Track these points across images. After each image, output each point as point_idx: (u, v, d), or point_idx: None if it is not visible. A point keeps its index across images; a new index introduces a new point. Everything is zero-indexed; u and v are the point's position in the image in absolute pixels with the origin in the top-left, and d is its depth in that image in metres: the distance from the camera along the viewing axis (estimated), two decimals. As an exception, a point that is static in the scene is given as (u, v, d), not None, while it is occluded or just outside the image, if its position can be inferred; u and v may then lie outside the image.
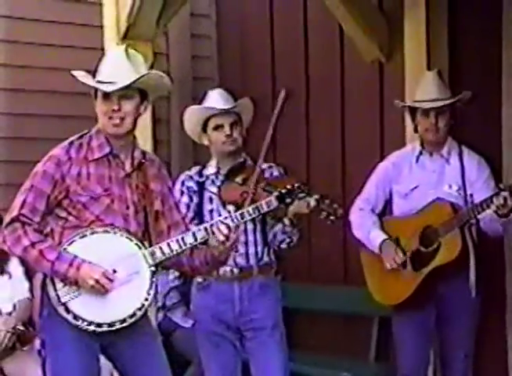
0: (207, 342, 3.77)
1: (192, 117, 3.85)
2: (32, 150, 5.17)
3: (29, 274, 4.77)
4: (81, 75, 3.16)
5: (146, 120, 4.47)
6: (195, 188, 3.79)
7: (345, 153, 5.03)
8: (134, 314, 3.05)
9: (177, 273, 4.95)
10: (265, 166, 3.82)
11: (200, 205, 3.77)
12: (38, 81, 5.25)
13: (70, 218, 3.08)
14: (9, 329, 4.50)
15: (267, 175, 3.78)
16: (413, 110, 3.95)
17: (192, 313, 3.93)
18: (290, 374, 3.86)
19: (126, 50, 3.13)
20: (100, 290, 3.01)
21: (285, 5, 5.35)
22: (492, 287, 4.03)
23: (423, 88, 3.94)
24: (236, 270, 3.71)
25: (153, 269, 3.08)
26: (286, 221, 3.68)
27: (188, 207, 3.74)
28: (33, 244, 3.03)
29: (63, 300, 3.03)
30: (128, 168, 3.14)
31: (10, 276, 4.70)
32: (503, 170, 4.23)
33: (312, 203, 3.46)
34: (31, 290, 4.74)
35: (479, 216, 3.72)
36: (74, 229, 3.07)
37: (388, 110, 4.75)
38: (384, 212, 4.05)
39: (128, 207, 3.12)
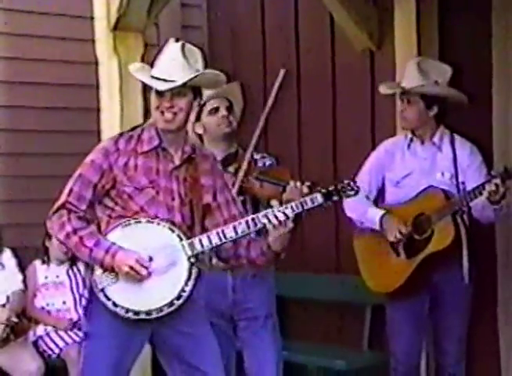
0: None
1: None
2: (27, 142, 5.22)
3: (22, 266, 4.79)
4: (136, 69, 3.23)
5: (137, 111, 4.47)
6: None
7: (336, 141, 5.04)
8: (171, 303, 3.07)
9: None
10: (257, 156, 3.84)
11: None
12: (30, 73, 5.25)
13: (117, 207, 3.14)
14: (3, 321, 4.51)
15: (260, 164, 3.79)
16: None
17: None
18: (284, 363, 3.88)
19: (183, 46, 3.15)
20: (135, 276, 3.04)
21: (276, -6, 5.36)
22: (484, 274, 4.05)
23: (405, 75, 3.97)
24: None
25: (192, 260, 3.10)
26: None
27: None
28: (75, 231, 3.09)
29: (100, 286, 3.08)
30: (177, 161, 3.18)
31: (3, 267, 4.71)
32: (494, 158, 4.25)
33: (305, 190, 3.47)
34: (25, 281, 4.76)
35: (471, 204, 3.74)
36: (119, 218, 3.12)
37: (379, 98, 4.75)
38: (376, 201, 4.07)
39: (173, 199, 3.15)
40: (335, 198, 3.20)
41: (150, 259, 3.07)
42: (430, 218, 3.78)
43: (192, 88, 3.15)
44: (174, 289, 3.07)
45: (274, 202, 3.16)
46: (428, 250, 3.80)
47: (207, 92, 3.80)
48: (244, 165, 3.68)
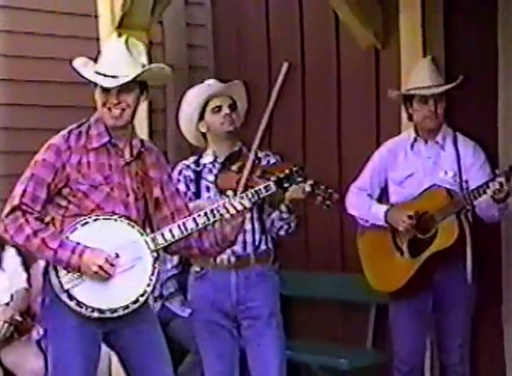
0: (205, 331, 3.78)
1: (191, 100, 3.84)
2: (29, 141, 5.19)
3: (26, 264, 4.78)
4: (80, 64, 3.17)
5: (142, 110, 4.45)
6: (192, 177, 3.79)
7: (341, 139, 5.02)
8: (137, 300, 3.06)
9: (175, 262, 4.95)
10: (261, 154, 3.83)
11: (197, 194, 3.78)
12: (34, 71, 5.24)
13: (71, 206, 3.10)
14: (7, 319, 4.51)
15: (264, 162, 3.79)
16: (408, 99, 3.93)
17: (190, 302, 3.92)
18: (287, 362, 3.87)
19: (126, 41, 3.12)
20: (103, 275, 3.02)
21: (280, -8, 5.35)
22: (488, 273, 4.04)
23: (419, 75, 3.93)
24: (233, 258, 3.71)
25: (155, 254, 3.10)
26: (283, 207, 3.69)
27: (185, 195, 3.75)
28: (35, 233, 3.04)
29: (65, 287, 3.04)
30: (127, 156, 3.17)
31: (7, 266, 4.70)
32: (499, 157, 4.23)
33: (307, 188, 3.47)
34: (29, 280, 4.75)
35: (475, 202, 3.72)
36: (75, 217, 3.08)
37: (384, 96, 4.71)
38: (380, 200, 4.05)
39: (128, 195, 3.14)
40: (286, 185, 3.27)
41: (117, 256, 3.05)
42: (434, 217, 3.77)
43: (139, 83, 3.13)
44: (140, 285, 3.07)
45: (229, 192, 3.25)
46: (432, 249, 3.79)
47: (209, 91, 3.80)
48: (249, 164, 3.68)
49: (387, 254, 3.92)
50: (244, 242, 3.71)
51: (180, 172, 3.82)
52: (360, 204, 3.98)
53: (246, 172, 3.65)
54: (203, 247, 3.23)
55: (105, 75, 3.07)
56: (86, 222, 3.06)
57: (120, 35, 3.18)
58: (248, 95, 3.97)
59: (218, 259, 3.70)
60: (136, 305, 3.06)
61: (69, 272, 3.04)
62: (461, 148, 3.90)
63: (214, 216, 3.13)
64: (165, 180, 3.25)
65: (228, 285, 3.71)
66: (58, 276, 3.05)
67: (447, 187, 3.81)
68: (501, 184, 3.54)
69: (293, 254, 4.79)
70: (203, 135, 3.86)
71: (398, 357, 3.97)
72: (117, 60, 3.09)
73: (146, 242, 3.09)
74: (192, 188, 3.78)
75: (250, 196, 3.17)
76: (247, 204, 3.14)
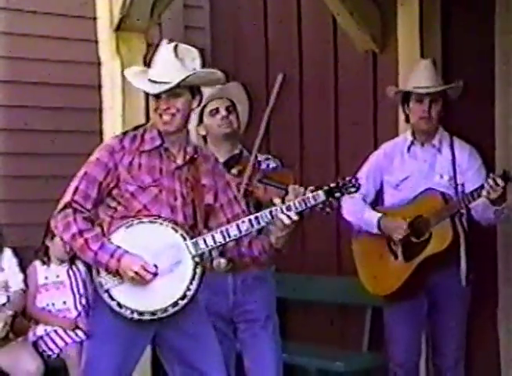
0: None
1: None
2: (28, 142, 5.21)
3: (22, 265, 4.79)
4: (132, 74, 3.25)
5: (139, 112, 4.46)
6: None
7: (339, 143, 5.03)
8: (176, 303, 3.07)
9: None
10: (261, 158, 3.82)
11: None
12: (33, 73, 5.25)
13: (119, 207, 3.14)
14: (3, 320, 4.51)
15: (264, 166, 3.77)
16: (406, 99, 3.94)
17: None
18: (283, 365, 3.87)
19: (176, 46, 3.16)
20: (140, 281, 3.05)
21: (278, -4, 5.36)
22: (484, 276, 4.04)
23: (418, 75, 3.94)
24: (230, 262, 3.71)
25: (196, 259, 3.11)
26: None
27: None
28: (80, 232, 3.08)
29: (105, 287, 3.08)
30: (179, 161, 3.20)
31: (2, 269, 4.70)
32: (496, 161, 4.24)
33: (308, 194, 3.46)
34: (25, 281, 4.76)
35: (471, 205, 3.73)
36: (122, 219, 3.12)
37: (382, 100, 4.75)
38: (376, 203, 4.06)
39: (175, 199, 3.16)
40: (337, 195, 3.17)
41: (155, 266, 3.07)
42: (429, 220, 3.78)
43: (190, 88, 3.15)
44: (179, 289, 3.08)
45: (277, 200, 3.16)
46: (426, 252, 3.79)
47: (206, 94, 3.80)
48: (249, 169, 3.67)
49: (381, 258, 3.93)
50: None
51: None
52: (354, 209, 3.99)
53: (246, 176, 3.64)
54: (253, 255, 3.25)
55: (155, 82, 3.11)
56: (130, 225, 3.10)
57: (176, 44, 3.18)
58: (249, 95, 3.96)
59: (215, 262, 3.70)
60: (176, 309, 3.07)
61: (109, 273, 3.09)
62: (457, 152, 3.91)
63: (258, 223, 3.12)
64: (221, 187, 3.26)
65: (225, 288, 3.72)
66: (99, 276, 3.10)
67: (442, 191, 3.81)
68: (495, 182, 3.54)
69: (289, 257, 4.78)
70: (204, 137, 3.86)
71: (393, 361, 3.98)
72: (165, 66, 3.12)
73: (187, 246, 3.10)
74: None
75: (297, 205, 3.13)
76: (294, 216, 3.11)
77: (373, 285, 3.98)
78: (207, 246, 3.12)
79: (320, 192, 3.16)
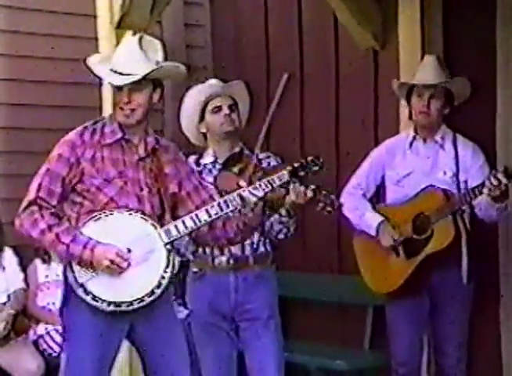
0: (203, 332, 3.76)
1: (192, 99, 3.81)
2: (28, 141, 5.20)
3: (23, 264, 4.78)
4: (95, 61, 3.21)
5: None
6: None
7: (339, 141, 5.03)
8: (152, 292, 3.07)
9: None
10: (262, 155, 3.81)
11: None
12: (32, 71, 5.24)
13: (86, 202, 3.13)
14: (4, 319, 4.50)
15: (264, 164, 3.75)
16: (409, 94, 3.93)
17: (189, 303, 3.90)
18: (285, 364, 3.86)
19: (140, 39, 3.14)
20: (116, 270, 3.04)
21: (279, -6, 5.35)
22: (486, 274, 4.03)
23: (421, 70, 3.95)
24: (231, 261, 3.70)
25: (168, 247, 3.11)
26: (283, 211, 3.65)
27: None
28: (50, 227, 3.07)
29: (80, 281, 3.06)
30: (141, 152, 3.20)
31: (4, 268, 4.70)
32: (497, 158, 4.22)
33: (309, 194, 3.47)
34: (26, 280, 4.75)
35: (474, 202, 3.72)
36: (89, 213, 3.11)
37: (383, 97, 4.75)
38: (377, 198, 4.05)
39: (141, 190, 3.17)
40: (301, 174, 3.25)
41: (129, 251, 3.07)
42: (430, 218, 3.77)
43: (152, 81, 3.15)
44: (154, 278, 3.08)
45: (242, 182, 3.21)
46: (428, 250, 3.79)
47: (209, 91, 3.80)
48: (251, 166, 3.65)
49: (383, 255, 3.92)
50: (243, 244, 3.69)
51: None
52: (353, 207, 3.98)
53: (247, 174, 3.63)
54: (228, 236, 3.28)
55: (118, 73, 3.10)
56: (99, 218, 3.09)
57: (141, 36, 3.16)
58: (250, 94, 3.95)
59: (217, 261, 3.69)
60: (152, 298, 3.07)
61: (82, 267, 3.06)
62: (460, 148, 3.90)
63: (227, 206, 3.15)
64: (184, 176, 3.27)
65: (227, 287, 3.71)
66: (72, 271, 3.07)
67: (443, 188, 3.80)
68: (497, 179, 3.53)
69: (290, 255, 4.79)
70: (204, 135, 3.85)
71: (395, 359, 3.97)
72: (129, 58, 3.11)
73: (160, 235, 3.10)
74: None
75: (263, 186, 3.19)
76: (260, 194, 3.17)
77: (375, 283, 3.98)
78: (179, 232, 3.12)
79: (284, 172, 3.23)
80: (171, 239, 3.11)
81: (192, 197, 3.26)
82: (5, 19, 5.14)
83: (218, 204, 3.15)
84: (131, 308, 3.06)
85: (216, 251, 3.70)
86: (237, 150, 3.81)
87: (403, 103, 4.32)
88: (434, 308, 3.88)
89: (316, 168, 3.30)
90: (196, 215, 3.14)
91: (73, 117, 5.26)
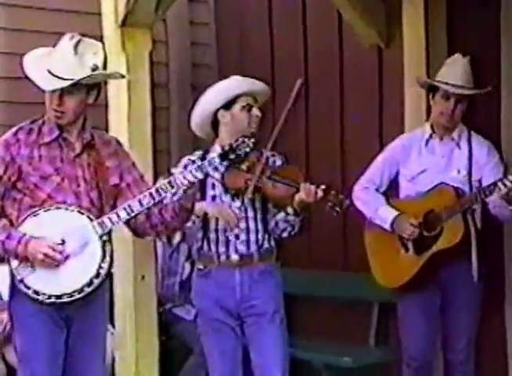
0: (209, 328, 3.77)
1: (227, 86, 3.76)
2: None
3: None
4: (31, 59, 3.29)
5: (144, 108, 4.46)
6: None
7: (344, 139, 5.03)
8: (91, 282, 3.18)
9: (184, 276, 4.98)
10: (267, 154, 3.79)
11: (202, 191, 3.73)
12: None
13: (25, 199, 3.23)
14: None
15: (270, 163, 3.74)
16: (432, 89, 3.91)
17: (194, 300, 3.92)
18: (290, 360, 3.87)
19: (77, 43, 3.22)
20: (51, 262, 3.14)
21: (284, -9, 5.36)
22: (493, 273, 4.03)
23: (451, 70, 3.91)
24: (236, 257, 3.71)
25: (104, 238, 3.22)
26: (290, 210, 3.66)
27: None
28: None
29: (19, 277, 3.17)
30: (77, 148, 3.29)
31: None
32: (504, 156, 4.22)
33: (320, 193, 3.48)
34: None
35: (488, 200, 3.70)
36: (29, 209, 3.21)
37: (387, 95, 4.75)
38: (390, 193, 4.04)
39: (78, 185, 3.27)
40: (232, 156, 3.32)
41: (62, 242, 3.16)
42: (440, 215, 3.77)
43: (86, 84, 3.23)
44: (91, 268, 3.18)
45: (174, 170, 3.31)
46: (436, 247, 3.79)
47: (251, 87, 3.72)
48: (260, 165, 3.66)
49: (392, 250, 3.93)
50: (248, 241, 3.71)
51: (185, 167, 3.75)
52: (368, 201, 3.98)
53: (257, 173, 3.63)
54: (165, 221, 3.35)
55: (53, 75, 3.18)
56: (37, 213, 3.19)
57: (78, 40, 3.23)
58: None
59: (222, 258, 3.70)
60: (91, 288, 3.18)
61: (21, 262, 3.17)
62: (475, 147, 3.89)
63: (159, 195, 3.23)
64: (125, 168, 3.37)
65: (233, 283, 3.72)
66: (11, 267, 3.19)
67: (454, 186, 3.80)
68: (505, 184, 3.53)
69: (295, 252, 4.80)
70: (214, 126, 3.79)
71: (407, 353, 3.95)
72: (63, 62, 3.20)
73: (94, 226, 3.20)
74: (197, 184, 3.75)
75: (193, 172, 3.26)
76: (191, 179, 3.24)
77: (382, 277, 3.99)
78: (113, 223, 3.22)
79: (215, 155, 3.30)
80: (106, 230, 3.21)
81: (132, 189, 3.35)
82: (7, 17, 5.14)
83: (150, 194, 3.24)
84: (72, 298, 3.17)
85: (221, 248, 3.71)
86: None
87: (408, 99, 4.34)
88: (444, 303, 3.89)
89: (247, 149, 3.34)
90: (129, 206, 3.23)
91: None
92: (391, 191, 4.07)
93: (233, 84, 3.77)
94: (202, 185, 3.72)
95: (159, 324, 4.43)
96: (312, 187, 3.52)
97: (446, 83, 3.87)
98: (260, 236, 3.73)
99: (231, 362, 3.77)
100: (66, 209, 3.21)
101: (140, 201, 3.23)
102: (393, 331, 4.15)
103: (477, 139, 3.92)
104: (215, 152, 3.74)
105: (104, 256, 3.20)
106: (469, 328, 3.88)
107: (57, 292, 3.16)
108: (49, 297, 3.16)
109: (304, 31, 5.21)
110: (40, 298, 3.16)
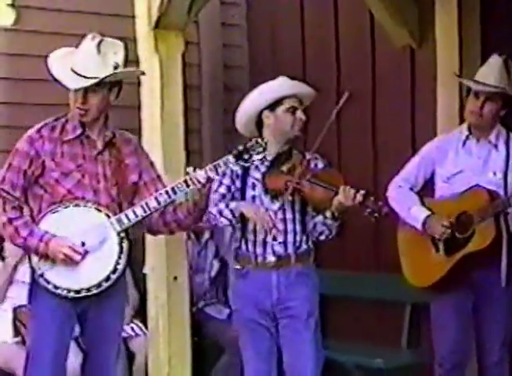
0: (245, 328, 3.78)
1: (275, 87, 3.76)
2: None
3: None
4: (55, 58, 3.37)
5: (177, 109, 4.48)
6: (239, 172, 3.73)
7: (376, 140, 5.01)
8: (108, 278, 3.29)
9: (213, 273, 5.00)
10: (309, 156, 3.77)
11: (242, 190, 3.74)
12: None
13: (46, 195, 3.33)
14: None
15: (311, 165, 3.72)
16: (469, 90, 3.89)
17: (232, 300, 3.92)
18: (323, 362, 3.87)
19: (99, 42, 3.31)
20: (70, 262, 3.25)
21: (315, -8, 5.36)
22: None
23: (485, 69, 3.87)
24: (273, 259, 3.71)
25: (122, 235, 3.30)
26: (328, 214, 3.67)
27: (229, 189, 3.74)
28: (10, 221, 3.30)
29: (39, 272, 3.28)
30: (99, 146, 3.39)
31: None
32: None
33: (359, 198, 3.48)
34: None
35: None
36: (49, 205, 3.31)
37: (420, 96, 4.73)
38: (425, 194, 4.02)
39: (98, 182, 3.36)
40: (246, 156, 3.37)
41: (83, 244, 3.26)
42: (473, 217, 3.75)
43: (109, 82, 3.33)
44: (109, 264, 3.29)
45: (189, 169, 3.34)
46: (467, 249, 3.76)
47: (298, 90, 3.72)
48: (300, 168, 3.66)
49: (423, 250, 3.91)
50: (285, 243, 3.71)
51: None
52: (401, 200, 3.95)
53: (297, 175, 3.63)
54: (178, 219, 3.43)
55: (77, 73, 3.28)
56: (56, 210, 3.29)
57: (100, 40, 3.35)
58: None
59: (259, 259, 3.71)
60: (109, 283, 3.28)
61: (41, 257, 3.27)
62: None
63: (175, 193, 3.30)
64: (144, 167, 3.46)
65: (270, 284, 3.72)
66: (32, 263, 3.31)
67: (489, 188, 3.76)
68: None
69: (327, 253, 4.79)
70: (259, 125, 3.77)
71: (439, 353, 3.91)
72: (87, 61, 3.31)
73: (112, 223, 3.29)
74: (238, 184, 3.74)
75: (208, 171, 3.32)
76: (203, 180, 3.29)
77: (412, 276, 3.97)
78: (130, 220, 3.30)
79: (230, 156, 3.35)
80: (123, 227, 3.30)
81: (149, 187, 3.43)
82: (28, 19, 5.11)
83: (166, 192, 3.31)
84: (90, 293, 3.28)
85: (259, 249, 3.71)
86: (285, 148, 3.77)
87: (440, 100, 4.32)
88: (476, 305, 3.86)
89: (260, 149, 3.40)
90: (146, 203, 3.31)
91: (112, 116, 5.31)
92: (426, 191, 4.05)
93: (280, 86, 3.77)
94: (242, 185, 3.75)
95: (191, 324, 4.45)
96: (352, 191, 3.52)
97: (475, 81, 3.85)
98: (298, 238, 3.73)
99: (266, 362, 3.78)
100: (85, 206, 3.30)
101: (157, 199, 3.31)
102: (425, 333, 4.13)
103: None
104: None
105: (121, 252, 3.30)
106: (502, 330, 3.84)
107: (76, 287, 3.27)
108: (68, 291, 3.27)
109: (336, 32, 5.20)
110: (59, 292, 3.27)
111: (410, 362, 4.68)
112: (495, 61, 3.88)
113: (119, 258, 3.30)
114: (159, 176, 3.50)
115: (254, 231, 3.69)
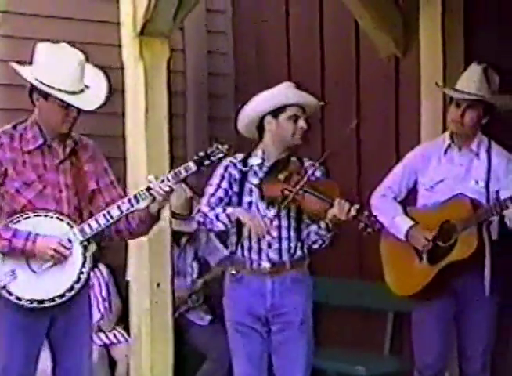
0: (236, 332, 3.79)
1: (280, 93, 3.76)
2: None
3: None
4: (29, 76, 3.31)
5: (161, 116, 4.48)
6: (237, 177, 3.75)
7: (360, 148, 5.03)
8: (72, 288, 3.28)
9: (194, 275, 5.02)
10: (307, 164, 3.80)
11: (239, 195, 3.75)
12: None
13: (5, 206, 3.30)
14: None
15: (309, 172, 3.72)
16: (451, 98, 3.91)
17: (225, 304, 3.90)
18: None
19: (86, 59, 3.33)
20: (59, 258, 3.24)
21: (301, 0, 5.37)
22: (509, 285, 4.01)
23: (465, 79, 3.89)
24: (268, 265, 3.72)
25: (84, 244, 3.30)
26: (322, 224, 3.70)
27: (226, 193, 3.75)
28: None
29: (1, 284, 3.25)
30: (61, 155, 3.36)
31: None
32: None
33: (353, 212, 3.49)
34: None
35: (505, 213, 3.68)
36: (9, 216, 3.28)
37: (404, 104, 4.75)
38: (408, 202, 4.04)
39: (60, 191, 3.33)
40: (206, 163, 3.38)
41: (69, 241, 3.26)
42: (456, 226, 3.76)
43: None
44: (72, 274, 3.28)
45: (150, 177, 3.33)
46: (450, 258, 3.78)
47: (302, 99, 3.73)
48: (298, 176, 3.66)
49: (406, 259, 3.93)
50: (280, 249, 3.73)
51: (226, 169, 3.76)
52: (384, 210, 3.96)
53: (293, 184, 3.62)
54: (131, 228, 3.42)
55: (60, 90, 3.24)
56: (18, 221, 3.27)
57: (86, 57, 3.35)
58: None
59: (254, 265, 3.72)
60: (72, 293, 3.27)
61: (27, 259, 3.24)
62: (494, 158, 3.86)
63: (137, 201, 3.30)
64: (100, 172, 3.44)
65: (264, 290, 3.73)
66: None
67: (471, 197, 3.78)
68: None
69: (311, 261, 4.79)
70: (259, 131, 3.79)
71: (420, 362, 3.93)
72: (77, 78, 3.29)
73: (74, 233, 3.29)
74: (235, 188, 3.75)
75: (170, 179, 3.31)
76: (167, 188, 3.27)
77: (395, 285, 3.98)
78: (93, 230, 3.29)
79: (190, 163, 3.35)
80: (86, 236, 3.29)
81: (103, 193, 3.42)
82: (19, 26, 5.12)
83: (129, 200, 3.30)
84: (53, 303, 3.26)
85: (253, 256, 3.72)
86: (283, 155, 3.78)
87: (424, 109, 4.34)
88: (459, 313, 3.87)
89: (221, 155, 3.41)
90: (109, 212, 3.30)
91: (96, 123, 5.29)
92: (409, 199, 4.06)
93: (285, 93, 3.77)
94: (239, 191, 3.75)
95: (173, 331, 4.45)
96: (346, 205, 3.53)
97: (455, 90, 3.87)
98: (292, 245, 3.75)
99: (256, 367, 3.79)
100: (46, 216, 3.28)
101: (119, 208, 3.30)
102: (407, 340, 4.13)
103: (497, 150, 3.89)
104: (257, 156, 3.78)
105: (85, 262, 3.29)
106: (485, 338, 3.86)
107: (39, 297, 3.25)
108: (31, 302, 3.24)
109: (322, 40, 5.22)
110: (23, 303, 3.24)
111: (392, 369, 4.69)
112: (474, 69, 3.90)
113: (82, 267, 3.29)
114: (112, 182, 3.48)
115: (250, 237, 3.70)
